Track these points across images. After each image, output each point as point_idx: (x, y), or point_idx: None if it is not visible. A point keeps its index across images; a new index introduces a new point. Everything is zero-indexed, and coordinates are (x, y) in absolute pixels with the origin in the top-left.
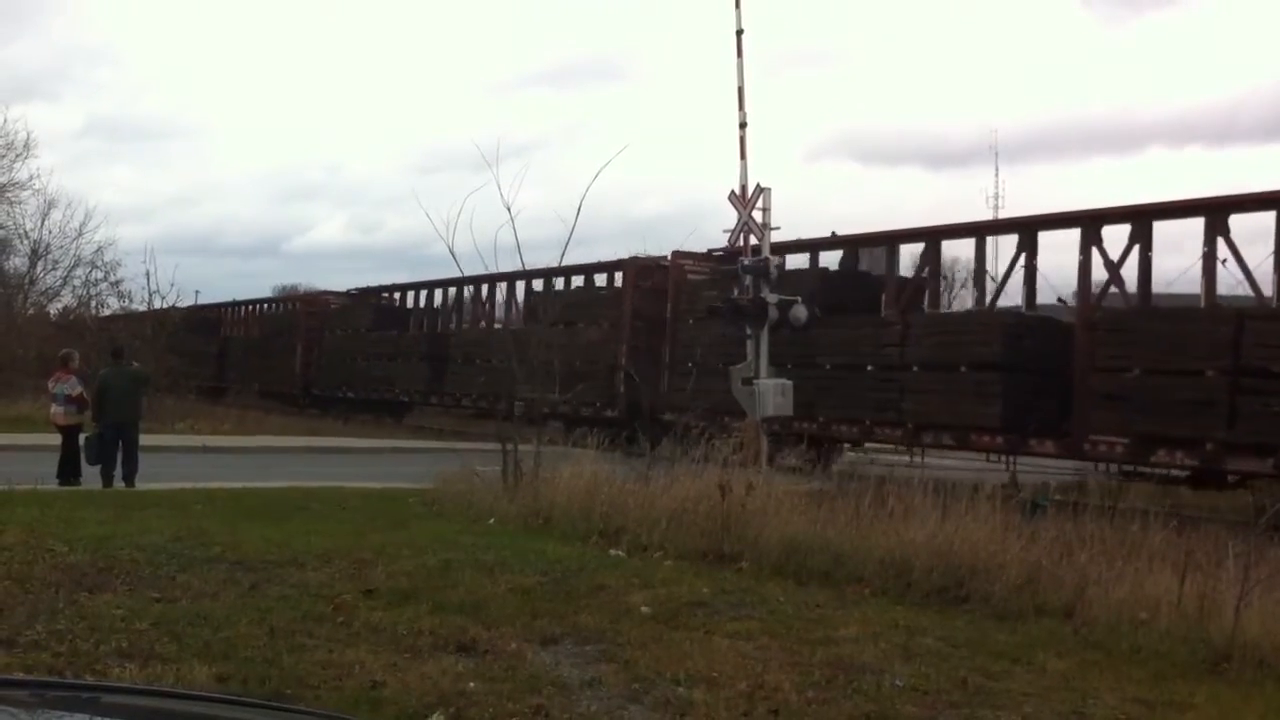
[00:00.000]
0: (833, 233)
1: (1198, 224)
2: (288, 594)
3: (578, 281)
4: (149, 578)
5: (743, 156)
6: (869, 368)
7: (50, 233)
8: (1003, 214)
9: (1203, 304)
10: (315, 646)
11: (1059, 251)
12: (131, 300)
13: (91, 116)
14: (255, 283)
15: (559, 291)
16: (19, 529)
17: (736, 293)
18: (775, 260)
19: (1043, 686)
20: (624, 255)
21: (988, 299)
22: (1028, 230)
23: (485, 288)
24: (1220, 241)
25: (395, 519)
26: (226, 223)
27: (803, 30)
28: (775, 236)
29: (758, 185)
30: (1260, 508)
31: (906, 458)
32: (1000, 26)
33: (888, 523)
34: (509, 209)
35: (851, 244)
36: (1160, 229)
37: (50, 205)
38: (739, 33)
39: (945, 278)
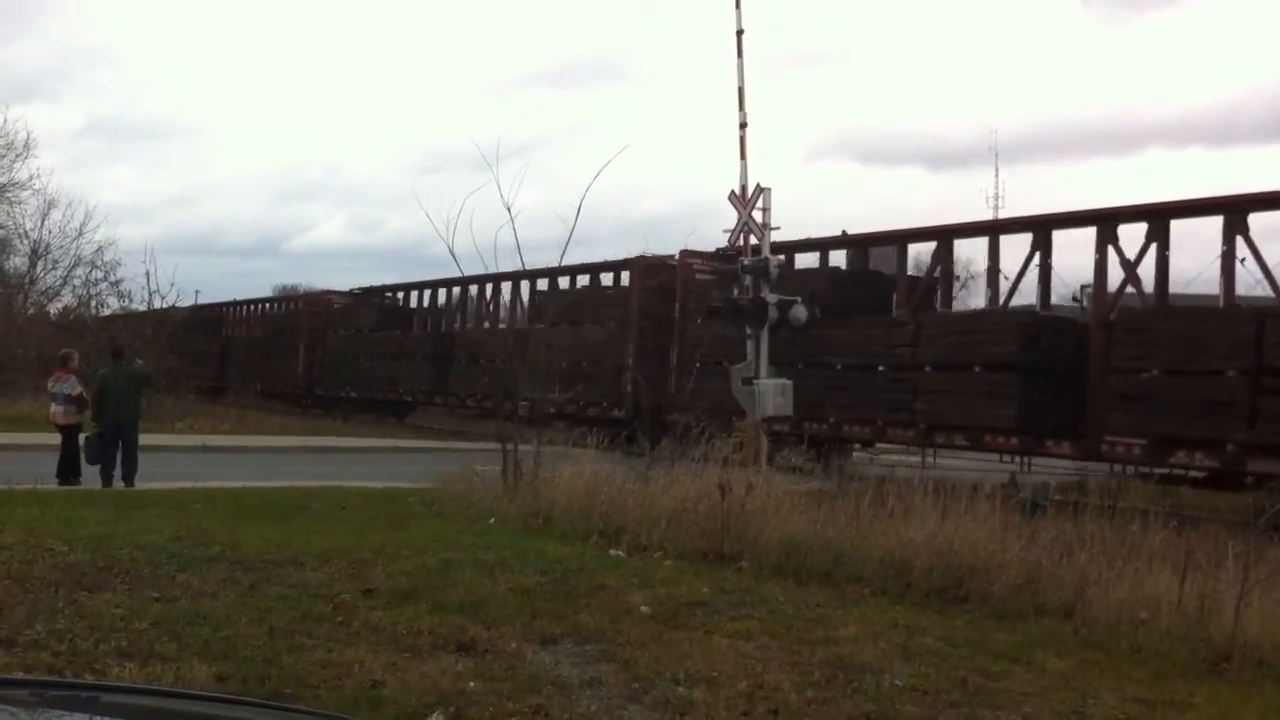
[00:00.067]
0: (843, 231)
1: (1215, 223)
2: (287, 593)
3: (583, 281)
4: (148, 577)
5: (743, 156)
6: (881, 368)
7: (50, 233)
8: (1003, 214)
9: (1222, 303)
10: (315, 646)
11: (1070, 250)
12: (131, 300)
13: (91, 116)
14: (255, 282)
15: (564, 291)
16: (19, 528)
17: (736, 292)
18: (775, 260)
19: (1042, 686)
20: (624, 255)
21: (1001, 298)
22: (1042, 229)
23: (490, 287)
24: (1239, 240)
25: (395, 519)
26: (226, 223)
27: (803, 30)
28: (777, 236)
29: (758, 185)
30: (1260, 508)
31: (908, 457)
32: (1000, 27)
33: (887, 522)
34: (509, 209)
35: (862, 243)
36: (1177, 228)
37: (50, 205)
38: (739, 33)
39: (958, 277)
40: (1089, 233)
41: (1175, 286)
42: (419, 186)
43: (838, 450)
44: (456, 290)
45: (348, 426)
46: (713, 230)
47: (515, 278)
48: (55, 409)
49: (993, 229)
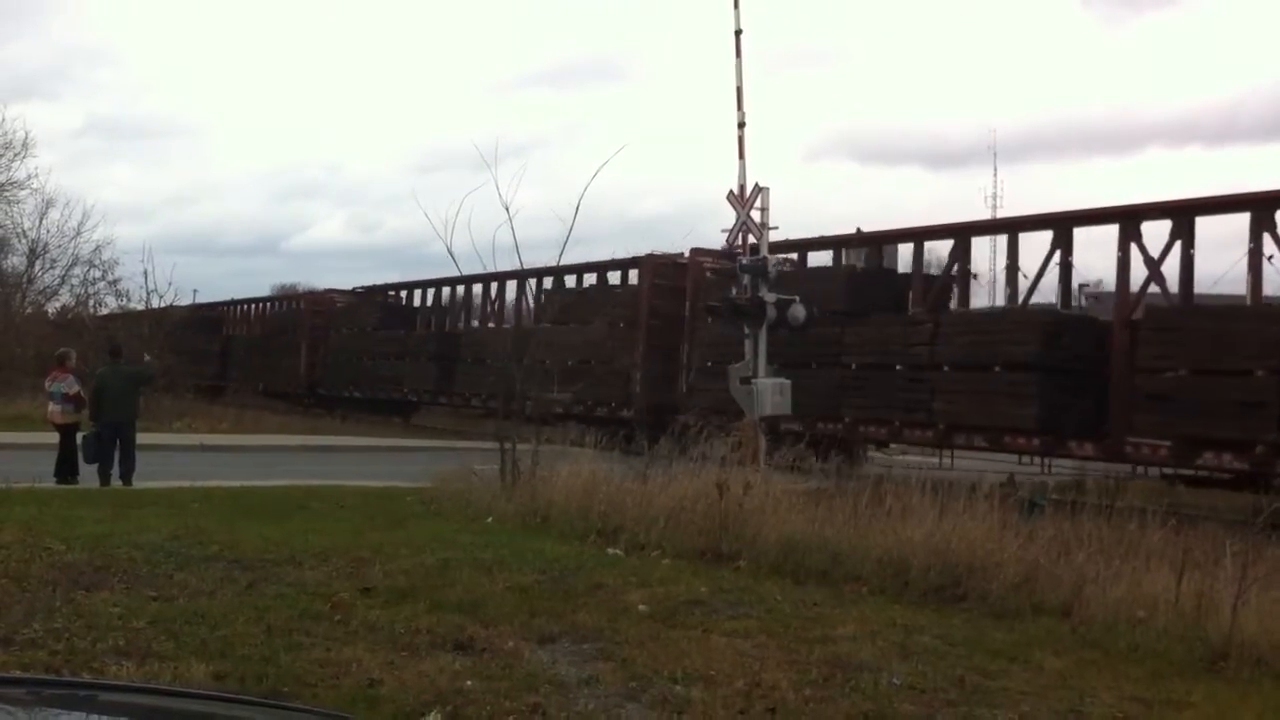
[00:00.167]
0: (858, 229)
1: (1232, 221)
2: (285, 592)
3: (590, 279)
4: (146, 576)
5: (741, 156)
6: (898, 367)
7: (48, 232)
8: (1002, 214)
9: (1249, 302)
10: (313, 645)
11: (1089, 249)
12: (129, 299)
13: (91, 116)
14: (254, 281)
15: (571, 289)
16: (16, 527)
17: (735, 292)
18: (774, 259)
19: (1040, 685)
20: (623, 255)
21: (1020, 296)
22: (1062, 226)
23: (495, 286)
24: (1266, 237)
25: (393, 518)
26: (226, 222)
27: (802, 30)
28: (781, 235)
29: (756, 185)
30: (1258, 507)
31: (926, 458)
32: (1000, 26)
33: (885, 522)
34: (507, 209)
35: (876, 241)
36: (1200, 225)
37: (48, 204)
38: (738, 33)
39: (975, 275)
40: (1103, 230)
41: (1201, 287)
42: (418, 186)
43: (850, 451)
44: (461, 289)
45: (346, 425)
46: (712, 230)
47: (520, 276)
48: (53, 408)
49: (1012, 226)
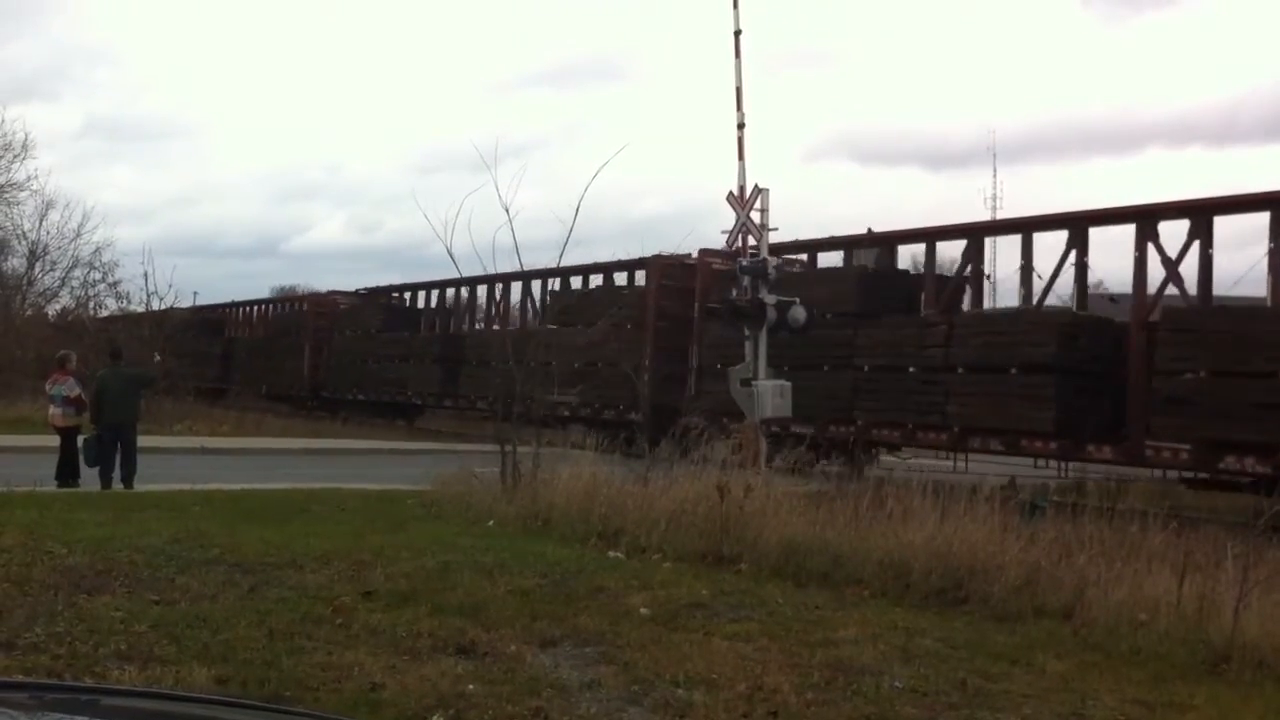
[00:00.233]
0: (869, 229)
1: (1261, 219)
2: (286, 596)
3: (596, 280)
4: (148, 580)
5: (741, 157)
6: (911, 369)
7: (48, 234)
8: (1001, 214)
9: (1269, 302)
10: (314, 649)
11: (1102, 249)
12: (129, 301)
13: (91, 117)
14: (254, 283)
15: (578, 290)
16: (18, 531)
17: (735, 293)
18: (774, 261)
19: (1042, 688)
20: (623, 256)
21: (1035, 297)
22: (1078, 226)
23: (500, 287)
24: None
25: (394, 521)
26: (226, 223)
27: (801, 30)
28: (778, 236)
29: (756, 186)
30: (1259, 509)
31: (940, 462)
32: (1000, 26)
33: (886, 524)
34: (507, 210)
35: (888, 241)
36: (1221, 224)
37: (48, 206)
38: (737, 33)
39: (989, 276)
40: (1117, 231)
41: (1220, 288)
42: (419, 187)
43: (851, 454)
44: (465, 291)
45: (347, 428)
46: (712, 231)
47: (526, 277)
48: (54, 411)
49: (1026, 226)
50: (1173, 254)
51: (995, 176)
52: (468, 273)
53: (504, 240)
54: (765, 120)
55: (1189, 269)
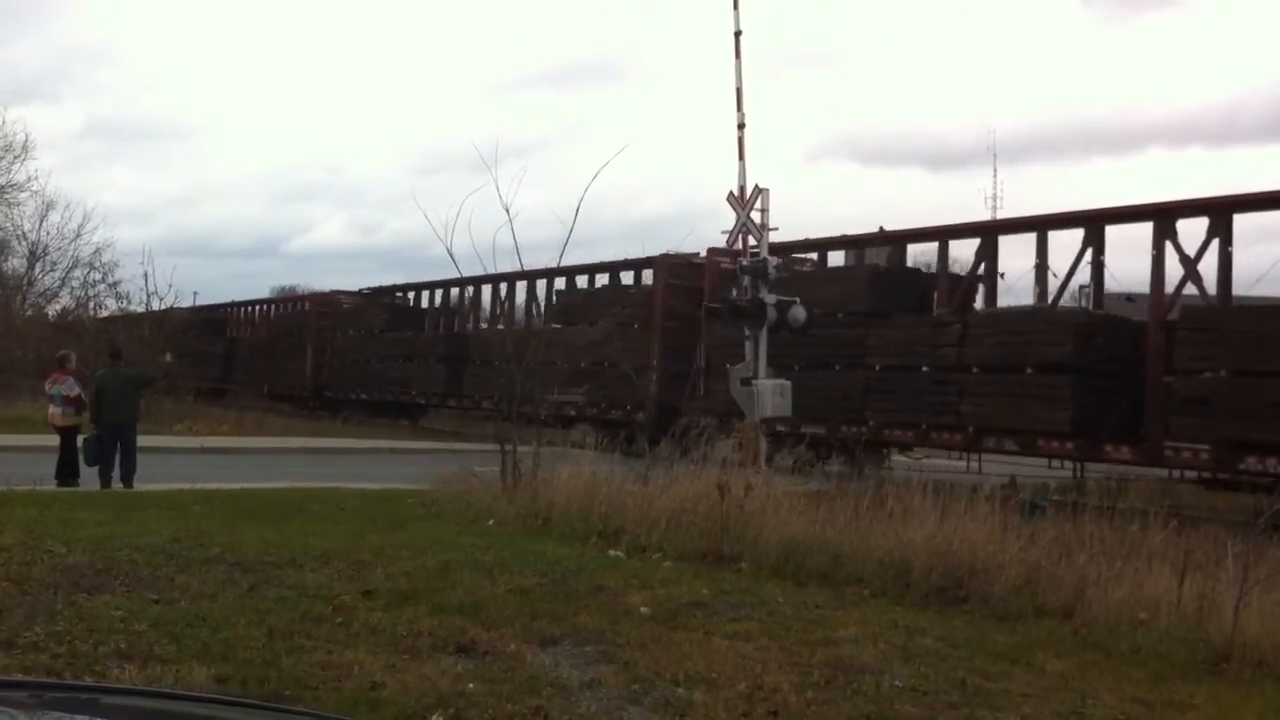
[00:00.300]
0: (880, 228)
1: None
2: (286, 595)
3: (602, 279)
4: (147, 579)
5: (741, 157)
6: (924, 369)
7: (48, 234)
8: (1001, 215)
9: None
10: (314, 647)
11: (1116, 247)
12: (129, 301)
13: (91, 117)
14: (254, 284)
15: (583, 290)
16: (17, 530)
17: (735, 293)
18: (774, 261)
19: (1042, 687)
20: (624, 255)
21: (1049, 296)
22: (1094, 224)
23: (504, 287)
24: None
25: (394, 520)
26: (226, 224)
27: (801, 30)
28: (781, 236)
29: (756, 186)
30: (1259, 508)
31: (954, 462)
32: (1000, 26)
33: (887, 523)
34: (507, 210)
35: (899, 240)
36: (1240, 223)
37: (49, 207)
38: (737, 34)
39: (1003, 275)
40: (1128, 230)
41: (1240, 288)
42: (419, 187)
43: (853, 454)
44: (469, 290)
45: (347, 428)
46: (713, 231)
47: (530, 277)
48: (53, 410)
49: (1042, 224)
50: (1190, 252)
51: (996, 177)
52: (468, 273)
53: (504, 241)
54: (766, 120)
55: (1208, 267)
